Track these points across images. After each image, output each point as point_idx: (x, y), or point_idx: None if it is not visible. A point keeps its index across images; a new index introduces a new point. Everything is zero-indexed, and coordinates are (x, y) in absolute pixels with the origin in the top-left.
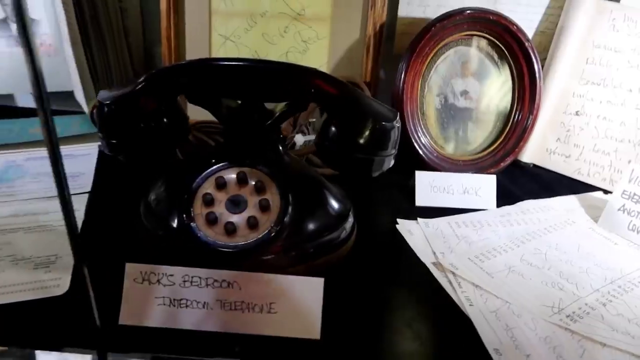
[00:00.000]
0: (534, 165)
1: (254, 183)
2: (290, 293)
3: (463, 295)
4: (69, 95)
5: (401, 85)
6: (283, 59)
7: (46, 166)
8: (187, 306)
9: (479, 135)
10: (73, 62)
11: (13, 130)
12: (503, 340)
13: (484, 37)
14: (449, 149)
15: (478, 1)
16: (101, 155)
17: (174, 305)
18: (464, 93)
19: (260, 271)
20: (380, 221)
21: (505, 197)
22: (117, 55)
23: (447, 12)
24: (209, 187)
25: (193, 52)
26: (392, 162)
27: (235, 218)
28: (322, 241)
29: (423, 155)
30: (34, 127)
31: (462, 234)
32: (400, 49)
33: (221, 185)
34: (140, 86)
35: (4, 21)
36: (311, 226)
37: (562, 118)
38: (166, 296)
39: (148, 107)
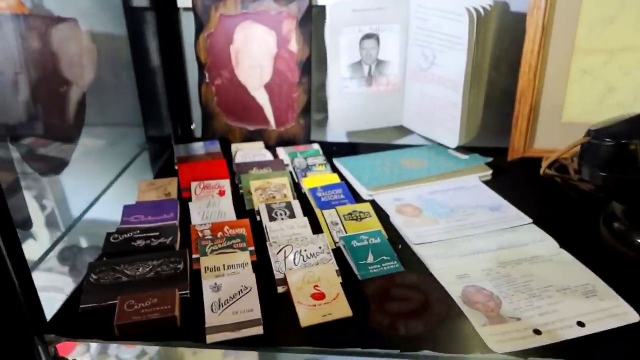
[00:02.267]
0: None
1: None
2: None
3: None
4: (400, 129)
5: None
6: (637, 88)
7: (461, 199)
8: None
9: None
10: (410, 98)
11: (388, 164)
12: None
13: None
14: None
15: None
16: (497, 185)
17: None
18: None
19: None
20: None
21: None
22: (478, 96)
23: None
24: None
25: (550, 84)
26: None
27: None
28: None
29: None
30: (403, 158)
31: None
32: None
33: None
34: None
35: (359, 64)
36: None
37: None
38: None
39: None
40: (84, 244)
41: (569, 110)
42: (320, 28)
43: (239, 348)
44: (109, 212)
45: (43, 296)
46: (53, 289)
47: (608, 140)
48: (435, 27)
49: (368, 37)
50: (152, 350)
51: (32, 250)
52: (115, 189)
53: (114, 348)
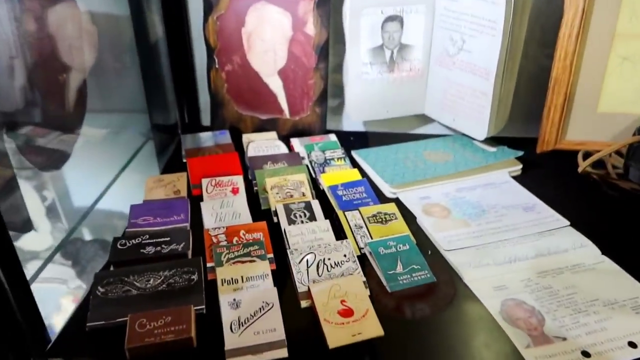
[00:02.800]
0: None
1: None
2: None
3: None
4: (419, 117)
5: None
6: None
7: (491, 197)
8: None
9: None
10: (434, 85)
11: (410, 157)
12: None
13: None
14: None
15: None
16: (528, 181)
17: None
18: None
19: None
20: None
21: None
22: (509, 85)
23: None
24: None
25: (587, 71)
26: None
27: None
28: None
29: None
30: (426, 150)
31: None
32: None
33: None
34: None
35: (380, 48)
36: None
37: None
38: None
39: None
40: (87, 236)
41: (606, 99)
42: (338, 8)
43: None
44: (114, 203)
45: (45, 287)
46: (55, 280)
47: None
48: (465, 9)
49: (391, 19)
50: None
51: (31, 253)
52: (120, 180)
53: None
